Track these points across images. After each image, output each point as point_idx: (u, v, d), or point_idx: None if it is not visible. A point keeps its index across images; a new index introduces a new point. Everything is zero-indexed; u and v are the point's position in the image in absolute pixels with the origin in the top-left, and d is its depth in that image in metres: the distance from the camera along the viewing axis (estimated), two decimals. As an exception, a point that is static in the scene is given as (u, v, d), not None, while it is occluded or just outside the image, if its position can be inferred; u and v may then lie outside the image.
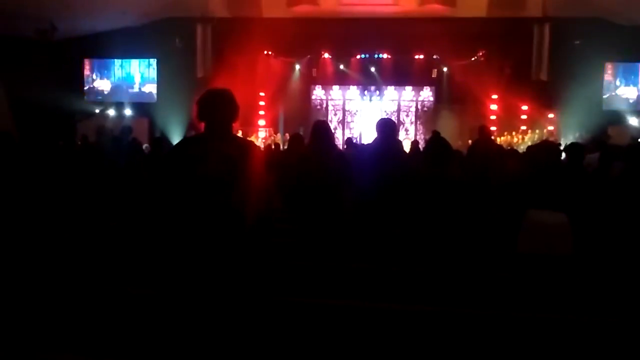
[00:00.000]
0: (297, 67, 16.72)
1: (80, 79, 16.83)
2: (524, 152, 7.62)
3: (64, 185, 6.43)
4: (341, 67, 16.80)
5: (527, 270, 4.09)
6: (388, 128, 4.60)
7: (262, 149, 4.35)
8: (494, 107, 15.66)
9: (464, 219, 4.19)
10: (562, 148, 5.82)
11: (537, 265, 4.02)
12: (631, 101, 15.68)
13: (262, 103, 16.42)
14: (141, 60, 16.92)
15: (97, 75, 17.18)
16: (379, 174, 4.29)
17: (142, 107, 16.51)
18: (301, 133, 7.06)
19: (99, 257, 4.88)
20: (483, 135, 7.53)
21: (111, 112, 16.08)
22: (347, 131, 17.25)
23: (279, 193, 4.69)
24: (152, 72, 16.98)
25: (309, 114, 16.62)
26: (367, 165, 4.41)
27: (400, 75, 16.70)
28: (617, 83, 15.72)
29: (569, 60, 14.20)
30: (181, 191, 2.75)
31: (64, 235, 5.55)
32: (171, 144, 10.57)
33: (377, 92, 17.58)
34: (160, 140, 8.98)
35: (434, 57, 15.71)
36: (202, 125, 2.85)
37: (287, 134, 15.38)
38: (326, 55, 16.56)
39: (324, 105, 17.87)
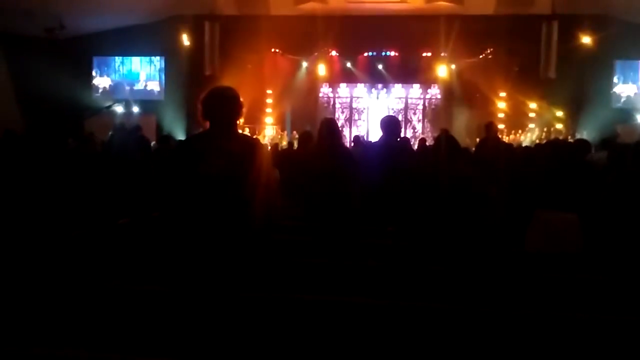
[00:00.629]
0: (304, 64, 16.65)
1: (88, 77, 16.90)
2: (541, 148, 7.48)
3: (76, 182, 6.49)
4: (348, 64, 16.72)
5: (536, 268, 4.07)
6: (392, 125, 4.61)
7: (267, 147, 4.36)
8: (502, 105, 15.56)
9: (473, 215, 4.18)
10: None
11: (547, 263, 4.00)
12: (625, 99, 15.52)
13: (269, 100, 16.41)
14: (149, 57, 16.96)
15: (104, 73, 17.23)
16: (386, 171, 4.30)
17: (149, 104, 16.54)
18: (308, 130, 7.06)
19: (106, 253, 4.91)
20: (491, 133, 7.47)
21: (119, 109, 16.13)
22: (354, 129, 17.15)
23: (280, 191, 4.71)
24: (159, 70, 17.02)
25: (316, 112, 16.56)
26: (374, 163, 4.42)
27: (407, 73, 16.60)
28: (615, 80, 15.56)
29: (578, 58, 14.09)
30: (187, 188, 2.76)
31: (74, 230, 5.58)
32: (177, 142, 10.61)
33: (385, 89, 17.49)
34: (167, 138, 9.04)
35: (442, 54, 15.62)
36: (207, 123, 2.87)
37: (294, 132, 15.39)
38: (333, 52, 16.49)
39: (331, 103, 17.81)
